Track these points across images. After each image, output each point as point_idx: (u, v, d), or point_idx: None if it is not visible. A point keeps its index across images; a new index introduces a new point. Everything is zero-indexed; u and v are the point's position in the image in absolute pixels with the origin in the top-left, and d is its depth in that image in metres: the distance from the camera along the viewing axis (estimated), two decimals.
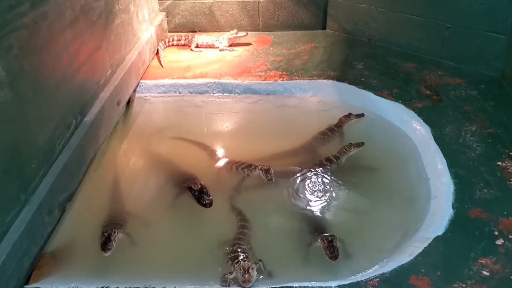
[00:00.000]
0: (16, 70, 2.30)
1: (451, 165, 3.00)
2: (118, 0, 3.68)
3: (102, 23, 3.39)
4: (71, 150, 2.80)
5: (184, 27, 5.10)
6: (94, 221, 2.83)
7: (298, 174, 3.20)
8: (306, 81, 4.16)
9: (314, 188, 3.11)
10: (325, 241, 2.52)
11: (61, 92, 2.78)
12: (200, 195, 3.01)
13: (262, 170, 3.14)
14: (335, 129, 3.61)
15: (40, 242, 2.48)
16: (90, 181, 3.11)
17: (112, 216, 2.88)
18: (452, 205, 2.69)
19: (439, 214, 2.71)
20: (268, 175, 3.11)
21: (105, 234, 2.65)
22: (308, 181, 3.16)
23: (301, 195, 3.06)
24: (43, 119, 2.58)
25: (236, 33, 4.80)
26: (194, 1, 5.00)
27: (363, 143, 3.33)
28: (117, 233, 2.68)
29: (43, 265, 2.50)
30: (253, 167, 3.19)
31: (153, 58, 4.56)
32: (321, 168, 3.23)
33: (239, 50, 4.79)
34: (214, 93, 4.24)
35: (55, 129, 2.70)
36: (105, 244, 2.60)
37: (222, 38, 4.80)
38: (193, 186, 3.07)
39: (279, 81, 4.18)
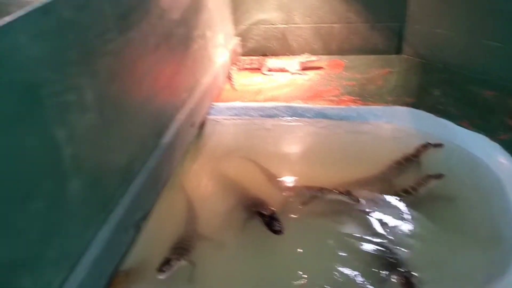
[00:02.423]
0: (102, 94, 2.41)
1: None
2: (196, 26, 3.80)
3: (181, 48, 3.50)
4: (148, 171, 2.88)
5: (256, 51, 5.17)
6: (167, 241, 2.88)
7: (372, 204, 3.10)
8: (380, 107, 4.05)
9: (389, 219, 2.99)
10: (403, 278, 2.40)
11: (142, 115, 2.89)
12: (271, 221, 2.97)
13: (344, 194, 3.05)
14: (412, 159, 3.45)
15: (116, 260, 2.55)
16: (163, 201, 3.18)
17: (181, 240, 2.91)
18: None
19: None
20: (353, 197, 3.02)
21: (166, 257, 2.67)
22: (382, 211, 3.05)
23: (374, 226, 2.96)
24: (124, 141, 2.68)
25: (308, 57, 4.80)
26: (268, 25, 5.06)
27: (442, 175, 3.17)
28: (180, 259, 2.68)
29: (117, 283, 2.58)
30: (326, 191, 3.13)
31: (226, 81, 4.66)
32: (397, 198, 3.10)
33: (310, 74, 4.77)
34: (284, 117, 4.24)
35: (135, 151, 2.80)
36: (162, 265, 2.60)
37: (294, 62, 4.82)
38: (263, 212, 3.04)
39: (351, 106, 4.11)
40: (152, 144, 3.05)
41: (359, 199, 3.03)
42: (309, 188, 3.23)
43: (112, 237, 2.45)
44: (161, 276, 2.57)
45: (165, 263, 2.61)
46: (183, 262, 2.70)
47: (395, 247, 2.79)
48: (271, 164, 3.65)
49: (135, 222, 2.74)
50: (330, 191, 3.11)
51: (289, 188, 3.39)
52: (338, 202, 3.11)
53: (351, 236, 2.93)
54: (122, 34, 2.58)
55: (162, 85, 3.17)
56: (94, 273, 2.26)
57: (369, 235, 2.89)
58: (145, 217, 2.85)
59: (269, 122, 4.24)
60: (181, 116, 3.47)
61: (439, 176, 3.17)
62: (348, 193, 3.05)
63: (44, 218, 1.95)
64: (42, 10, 1.94)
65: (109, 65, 2.47)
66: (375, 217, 3.03)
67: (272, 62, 4.89)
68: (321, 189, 3.15)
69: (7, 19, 1.75)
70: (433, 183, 3.14)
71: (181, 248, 2.80)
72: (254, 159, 3.69)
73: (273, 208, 3.07)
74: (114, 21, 2.49)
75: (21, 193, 1.81)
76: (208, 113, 4.24)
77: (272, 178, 3.48)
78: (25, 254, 1.86)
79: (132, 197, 2.67)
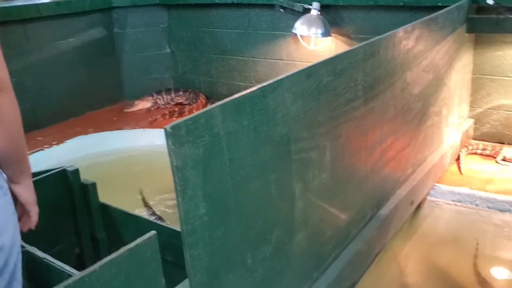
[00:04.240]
0: (338, 157, 2.50)
1: None
2: (434, 103, 3.70)
3: (415, 123, 3.44)
4: (362, 240, 2.84)
5: (491, 137, 4.76)
6: None
7: None
8: None
9: None
10: None
11: (367, 182, 2.89)
12: None
13: None
14: None
15: None
16: (370, 275, 3.07)
17: None
18: None
19: None
20: None
21: None
22: None
23: None
24: (347, 204, 2.71)
25: None
26: (509, 111, 4.63)
27: None
28: None
29: None
30: None
31: (453, 163, 4.38)
32: None
33: None
34: None
35: (353, 216, 2.80)
36: None
37: None
38: None
39: None
40: (370, 214, 3.01)
41: None
42: None
43: None
44: None
45: None
46: None
47: None
48: (494, 265, 3.23)
49: None
50: None
51: None
52: None
53: None
54: (367, 103, 2.66)
55: (390, 157, 3.14)
56: None
57: None
58: (352, 286, 2.79)
59: (498, 217, 3.78)
60: (402, 192, 3.37)
61: None
62: None
63: (270, 264, 2.06)
64: (306, 73, 2.13)
65: (349, 130, 2.56)
66: None
67: (509, 151, 4.42)
68: None
69: (279, 77, 1.96)
70: None
71: None
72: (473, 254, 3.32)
73: None
74: (362, 90, 2.59)
75: (258, 236, 1.95)
76: (429, 194, 4.02)
77: None
78: None
79: (345, 263, 2.65)
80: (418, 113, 3.44)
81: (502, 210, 3.80)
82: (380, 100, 2.83)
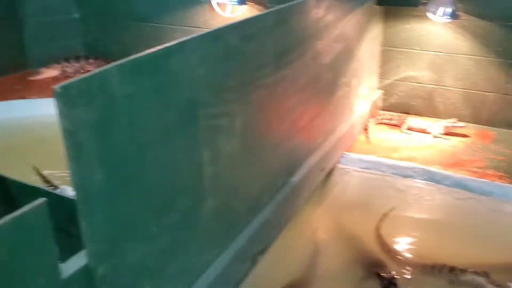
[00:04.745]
0: (249, 123, 2.49)
1: None
2: (344, 74, 3.81)
3: (326, 93, 3.53)
4: (274, 206, 2.88)
5: (397, 108, 5.01)
6: (279, 280, 2.83)
7: None
8: None
9: None
10: None
11: (279, 150, 2.92)
12: (389, 286, 2.79)
13: (483, 276, 2.75)
14: None
15: None
16: (282, 240, 3.14)
17: (292, 285, 2.82)
18: None
19: None
20: (493, 281, 2.74)
21: None
22: None
23: None
24: (259, 171, 2.73)
25: (455, 123, 4.52)
26: (415, 83, 4.90)
27: None
28: None
29: None
30: (459, 270, 2.83)
31: (362, 133, 4.57)
32: None
33: (454, 140, 4.47)
34: (419, 180, 3.99)
35: (265, 183, 2.83)
36: None
37: (437, 125, 4.56)
38: (383, 274, 2.87)
39: (497, 182, 3.74)
40: (282, 181, 3.06)
41: (500, 284, 2.70)
42: (439, 266, 2.95)
43: (230, 265, 2.46)
44: None
45: None
46: None
47: None
48: (396, 229, 3.45)
49: (254, 254, 2.73)
50: (464, 270, 2.81)
51: (412, 263, 3.14)
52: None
53: None
54: (278, 70, 2.66)
55: (302, 125, 3.19)
56: None
57: None
58: (263, 251, 2.84)
59: (402, 182, 4.02)
60: (313, 159, 3.46)
61: None
62: (486, 275, 2.73)
63: (176, 231, 2.02)
64: (212, 36, 2.07)
65: (261, 97, 2.55)
66: None
67: (413, 121, 4.69)
68: (453, 268, 2.86)
69: (182, 39, 1.89)
70: None
71: None
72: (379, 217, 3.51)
73: (394, 272, 2.87)
74: (273, 56, 2.58)
75: (163, 203, 1.90)
76: (339, 162, 4.17)
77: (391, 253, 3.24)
78: (152, 263, 1.93)
79: (256, 228, 2.68)
80: (328, 83, 3.52)
81: (405, 176, 4.04)
82: (292, 68, 2.84)
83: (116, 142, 1.55)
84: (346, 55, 3.77)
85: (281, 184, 3.05)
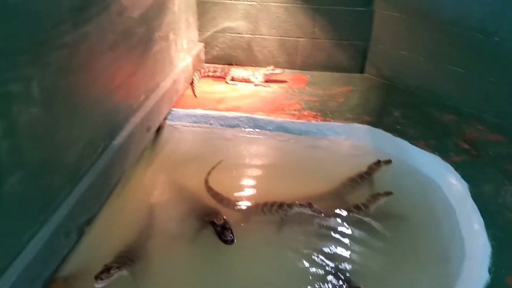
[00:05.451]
0: (51, 88, 2.28)
1: (488, 226, 2.80)
2: (159, 28, 3.70)
3: (141, 49, 3.40)
4: (96, 173, 2.75)
5: (221, 59, 5.11)
6: (111, 249, 2.74)
7: (324, 219, 3.07)
8: (340, 123, 4.06)
9: (339, 235, 2.97)
10: None
11: (94, 113, 2.76)
12: (222, 231, 2.91)
13: (307, 206, 3.01)
14: (365, 177, 3.47)
15: (54, 265, 2.39)
16: (111, 206, 3.04)
17: (127, 249, 2.77)
18: (489, 269, 2.50)
19: (473, 278, 2.52)
20: (316, 209, 2.99)
21: (107, 265, 2.50)
22: (332, 228, 3.04)
23: (324, 241, 2.93)
24: (72, 139, 2.55)
25: (273, 70, 4.78)
26: (234, 34, 5.02)
27: (391, 193, 3.20)
28: (121, 269, 2.51)
29: None
30: (287, 206, 3.07)
31: (187, 87, 4.57)
32: (348, 215, 3.10)
33: (274, 86, 4.75)
34: (245, 128, 4.18)
35: (82, 150, 2.67)
36: (101, 273, 2.42)
37: (258, 73, 4.78)
38: (215, 221, 2.97)
39: (312, 121, 4.10)
40: (103, 145, 2.92)
41: (322, 211, 3.00)
42: (270, 204, 3.15)
43: (51, 240, 2.30)
44: (98, 285, 2.39)
45: (104, 271, 2.44)
46: (124, 272, 2.54)
47: (344, 262, 2.77)
48: (229, 176, 3.60)
49: (79, 226, 2.59)
50: (291, 205, 3.06)
51: (246, 203, 3.31)
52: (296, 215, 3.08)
53: (302, 249, 2.90)
54: (78, 28, 2.46)
55: (118, 84, 3.05)
56: (26, 277, 2.11)
57: (320, 250, 2.86)
58: (89, 221, 2.71)
59: (230, 132, 4.17)
60: (136, 119, 3.35)
61: (388, 194, 3.19)
62: (310, 205, 3.01)
63: None
64: None
65: (61, 58, 2.34)
66: (326, 232, 3.00)
67: (236, 71, 4.84)
68: (281, 205, 3.09)
69: None
70: (382, 200, 3.16)
71: (126, 257, 2.65)
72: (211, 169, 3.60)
73: (225, 218, 2.99)
74: (69, 12, 2.37)
75: None
76: (167, 119, 4.13)
77: (225, 202, 3.34)
78: None
79: (77, 199, 2.53)
80: (142, 38, 3.39)
81: (232, 126, 4.19)
82: (95, 24, 2.65)
83: None
84: (158, 8, 3.66)
85: (102, 149, 2.91)
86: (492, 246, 2.65)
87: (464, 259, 2.71)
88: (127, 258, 2.66)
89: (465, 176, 3.27)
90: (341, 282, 2.58)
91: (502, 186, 3.18)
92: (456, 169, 3.36)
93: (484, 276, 2.47)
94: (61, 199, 2.46)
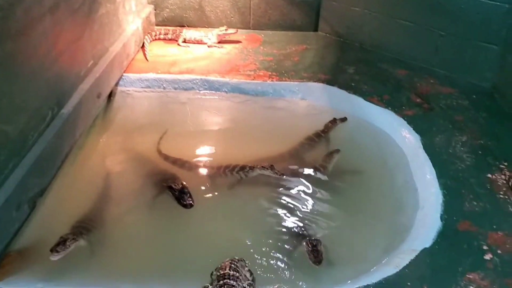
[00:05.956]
0: None
1: (440, 175, 2.91)
2: None
3: (85, 11, 3.23)
4: (45, 142, 2.64)
5: (172, 21, 4.96)
6: (67, 219, 2.67)
7: (284, 178, 3.10)
8: (296, 83, 4.05)
9: (299, 194, 3.01)
10: (310, 245, 2.46)
11: (37, 81, 2.63)
12: (181, 195, 2.89)
13: (268, 168, 3.02)
14: (322, 135, 3.51)
15: (6, 239, 2.32)
16: (64, 176, 2.96)
17: (84, 219, 2.70)
18: (441, 216, 2.61)
19: (426, 225, 2.62)
20: (277, 171, 3.01)
21: (62, 237, 2.43)
22: (292, 186, 3.07)
23: (285, 199, 2.96)
24: (15, 108, 2.42)
25: (226, 30, 4.68)
26: None
27: (339, 150, 3.29)
28: (78, 240, 2.46)
29: (7, 263, 2.36)
30: (249, 168, 3.07)
31: (138, 51, 4.41)
32: (307, 174, 3.14)
33: (228, 47, 4.66)
34: (200, 90, 4.10)
35: (28, 120, 2.55)
36: (56, 246, 2.35)
37: (211, 34, 4.67)
38: (173, 186, 2.94)
39: (268, 81, 4.07)
40: (50, 114, 2.79)
41: (283, 173, 3.02)
42: (230, 167, 3.13)
43: (0, 214, 2.21)
44: (54, 258, 2.34)
45: (60, 243, 2.38)
46: (82, 242, 2.49)
47: (304, 219, 2.82)
48: (186, 140, 3.55)
49: (30, 198, 2.50)
50: (253, 167, 3.06)
51: (206, 167, 3.29)
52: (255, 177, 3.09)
53: (262, 207, 2.93)
54: None
55: (61, 49, 2.90)
56: None
57: (280, 207, 2.90)
58: (41, 193, 2.62)
59: (184, 96, 4.08)
60: (85, 86, 3.23)
61: (337, 151, 3.27)
62: (271, 167, 3.02)
63: None
64: None
65: None
66: (286, 191, 3.04)
67: (188, 33, 4.71)
68: (243, 167, 3.08)
69: None
70: (336, 157, 3.23)
71: (82, 227, 2.59)
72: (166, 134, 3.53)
73: (183, 183, 2.97)
74: None
75: None
76: (118, 84, 4.00)
77: (187, 165, 3.29)
78: None
79: (26, 171, 2.44)
80: (86, 1, 3.21)
81: (186, 89, 4.10)
82: None
83: None
84: None
85: (50, 118, 2.79)
86: (444, 195, 2.76)
87: (417, 208, 2.80)
88: (84, 228, 2.60)
89: (417, 129, 3.36)
90: (300, 236, 2.62)
91: (453, 136, 3.29)
92: (408, 123, 3.44)
93: (437, 223, 2.57)
94: (8, 171, 2.36)
